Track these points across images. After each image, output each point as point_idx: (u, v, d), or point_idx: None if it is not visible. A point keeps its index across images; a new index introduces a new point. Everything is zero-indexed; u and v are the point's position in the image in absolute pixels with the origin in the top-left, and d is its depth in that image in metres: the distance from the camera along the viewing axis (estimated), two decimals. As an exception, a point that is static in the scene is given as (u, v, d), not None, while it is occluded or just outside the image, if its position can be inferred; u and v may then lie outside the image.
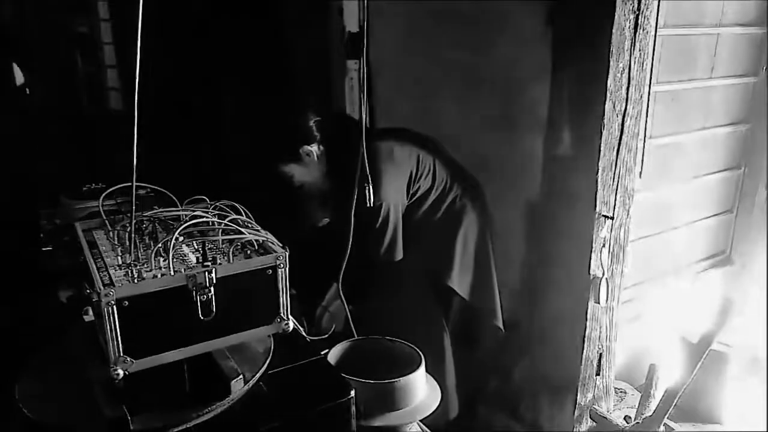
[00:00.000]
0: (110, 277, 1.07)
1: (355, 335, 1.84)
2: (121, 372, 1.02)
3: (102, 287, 1.00)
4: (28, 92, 3.36)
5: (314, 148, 2.04)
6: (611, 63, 1.95)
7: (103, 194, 1.39)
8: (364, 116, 1.63)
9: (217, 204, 1.34)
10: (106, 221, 1.32)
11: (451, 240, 2.14)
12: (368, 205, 1.75)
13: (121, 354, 1.02)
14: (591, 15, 1.98)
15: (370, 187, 1.71)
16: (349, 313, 1.92)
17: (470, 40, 2.43)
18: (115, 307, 0.99)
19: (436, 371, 1.72)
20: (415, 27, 2.66)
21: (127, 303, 1.00)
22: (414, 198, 2.10)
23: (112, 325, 0.99)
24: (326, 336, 2.02)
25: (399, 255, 2.05)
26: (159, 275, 1.06)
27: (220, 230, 1.21)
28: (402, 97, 2.74)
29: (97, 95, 4.82)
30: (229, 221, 1.21)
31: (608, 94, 1.98)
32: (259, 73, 3.74)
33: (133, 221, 1.12)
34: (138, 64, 0.97)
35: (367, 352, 1.70)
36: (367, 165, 1.67)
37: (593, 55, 1.98)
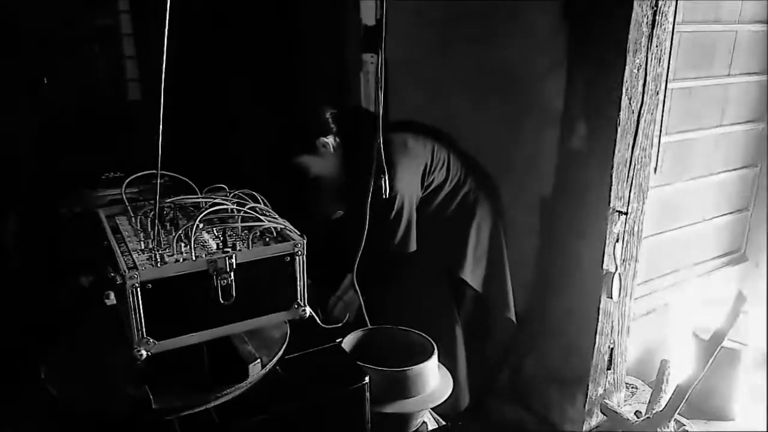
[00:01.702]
0: (134, 261, 1.10)
1: (369, 325, 1.86)
2: (144, 352, 1.05)
3: (127, 270, 1.03)
4: (45, 81, 3.40)
5: (330, 140, 2.06)
6: (628, 58, 1.96)
7: (126, 181, 1.43)
8: (380, 108, 1.64)
9: (236, 192, 1.37)
10: (129, 208, 1.35)
11: (464, 232, 2.16)
12: (384, 196, 1.76)
13: (145, 335, 1.05)
14: (608, 10, 1.98)
15: (386, 178, 1.72)
16: (363, 303, 1.94)
17: (483, 34, 2.43)
18: (139, 289, 1.02)
19: (447, 362, 1.74)
20: (429, 21, 2.67)
21: (150, 286, 1.03)
22: (428, 190, 2.11)
23: (136, 307, 1.03)
24: (340, 325, 2.05)
25: (412, 247, 2.06)
26: (181, 260, 1.09)
27: (240, 217, 1.24)
28: (415, 90, 2.75)
29: (116, 86, 4.88)
30: (249, 209, 1.24)
31: (624, 90, 1.99)
32: (274, 65, 3.77)
33: (157, 207, 1.15)
34: (164, 56, 0.99)
35: (380, 341, 1.73)
36: (383, 156, 1.68)
37: (610, 50, 1.98)
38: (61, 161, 2.89)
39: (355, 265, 1.87)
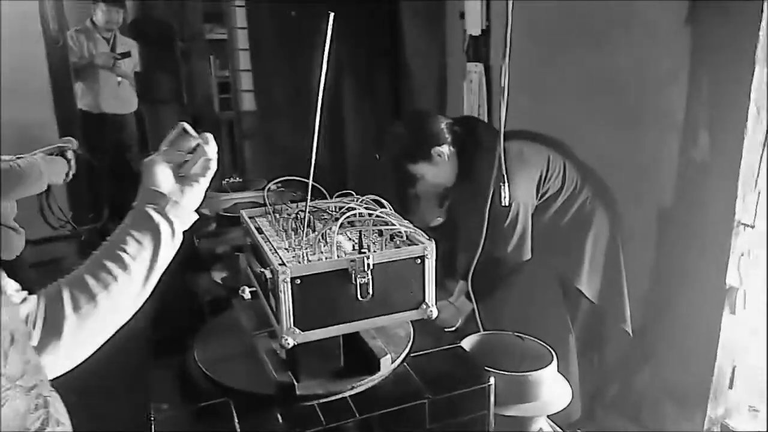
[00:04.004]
0: (281, 259, 1.20)
1: (482, 331, 1.89)
2: (291, 341, 1.14)
3: (278, 266, 1.12)
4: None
5: (445, 149, 2.11)
6: (757, 66, 1.89)
7: (266, 186, 1.56)
8: (503, 117, 1.68)
9: (364, 198, 1.46)
10: (270, 210, 1.47)
11: (581, 242, 2.14)
12: (503, 204, 1.79)
13: (292, 326, 1.14)
14: (736, 14, 1.92)
15: (507, 186, 1.75)
16: (477, 309, 1.97)
17: (597, 38, 2.41)
18: (289, 284, 1.12)
19: (561, 372, 1.74)
20: (537, 27, 2.66)
21: (299, 281, 1.13)
22: (543, 199, 2.12)
23: (287, 300, 1.12)
24: (453, 329, 2.09)
25: (527, 255, 2.08)
26: (324, 258, 1.18)
27: (371, 221, 1.32)
28: (525, 99, 2.75)
29: (231, 97, 5.21)
30: (381, 212, 1.32)
31: (753, 99, 1.92)
32: (380, 73, 3.89)
33: (307, 210, 1.26)
34: (324, 76, 1.09)
35: (496, 347, 1.75)
36: (504, 164, 1.72)
37: (737, 57, 1.93)
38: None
39: (471, 272, 1.91)
